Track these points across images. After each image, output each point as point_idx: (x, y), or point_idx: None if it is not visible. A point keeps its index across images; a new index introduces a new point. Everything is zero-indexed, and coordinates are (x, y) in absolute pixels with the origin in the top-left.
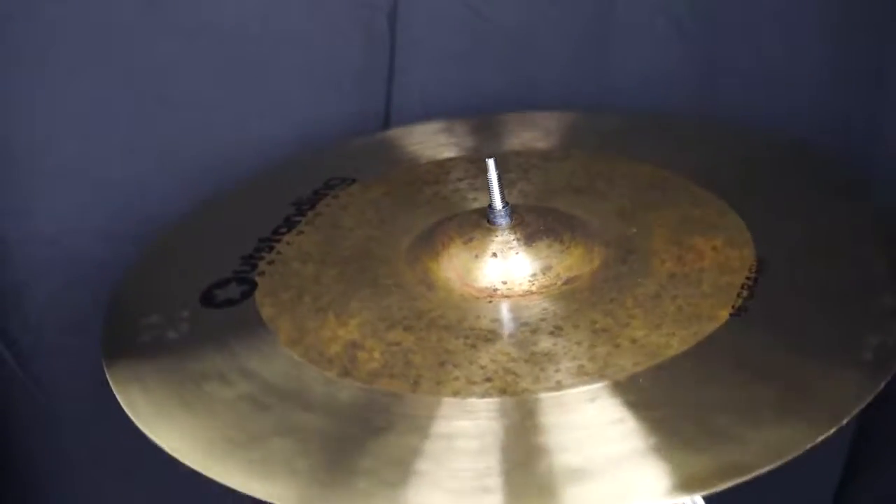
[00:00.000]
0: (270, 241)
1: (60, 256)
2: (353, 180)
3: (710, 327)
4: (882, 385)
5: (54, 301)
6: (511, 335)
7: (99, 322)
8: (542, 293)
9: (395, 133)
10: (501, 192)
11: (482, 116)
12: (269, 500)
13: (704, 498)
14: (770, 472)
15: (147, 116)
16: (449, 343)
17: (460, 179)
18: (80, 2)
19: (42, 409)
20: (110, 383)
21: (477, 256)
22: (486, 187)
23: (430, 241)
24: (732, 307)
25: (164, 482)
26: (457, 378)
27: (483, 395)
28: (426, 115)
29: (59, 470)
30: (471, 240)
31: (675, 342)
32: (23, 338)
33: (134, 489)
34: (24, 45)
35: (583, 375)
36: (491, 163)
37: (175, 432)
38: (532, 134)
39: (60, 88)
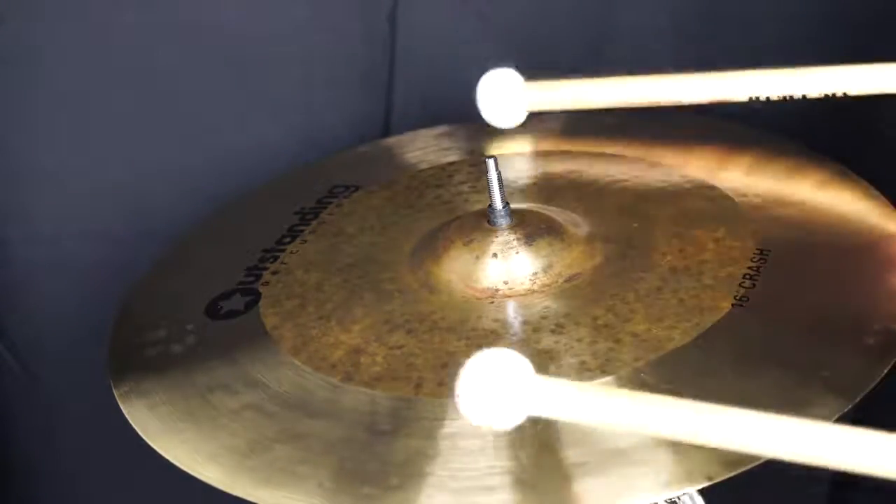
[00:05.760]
0: (275, 251)
1: (60, 258)
2: (357, 187)
3: (711, 319)
4: (886, 370)
5: (54, 302)
6: (512, 335)
7: (99, 324)
8: (543, 291)
9: (398, 139)
10: (502, 192)
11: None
12: None
13: (704, 491)
14: (768, 467)
15: (147, 118)
16: (451, 345)
17: (463, 182)
18: (80, 2)
19: (42, 409)
20: (118, 400)
21: (478, 257)
22: (488, 189)
23: (432, 245)
24: (734, 298)
25: (164, 483)
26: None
27: None
28: (427, 117)
29: (58, 471)
30: (471, 241)
31: (677, 335)
32: (22, 339)
33: (134, 489)
34: (24, 45)
35: (584, 371)
36: (491, 163)
37: (182, 445)
38: (533, 134)
39: (60, 89)
